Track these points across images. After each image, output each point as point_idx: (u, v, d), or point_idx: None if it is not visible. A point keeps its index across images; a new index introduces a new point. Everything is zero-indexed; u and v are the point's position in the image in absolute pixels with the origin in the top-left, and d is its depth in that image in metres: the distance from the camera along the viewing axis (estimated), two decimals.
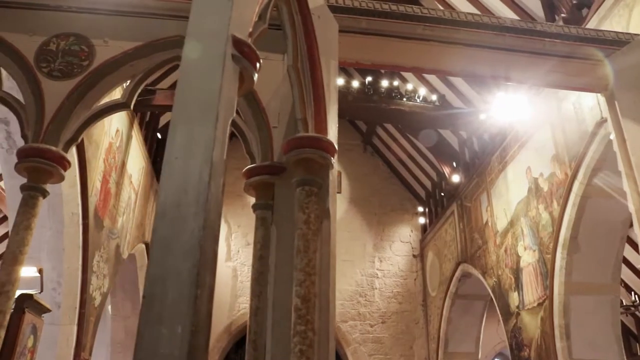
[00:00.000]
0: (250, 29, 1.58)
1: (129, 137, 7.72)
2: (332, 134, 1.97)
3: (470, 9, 7.68)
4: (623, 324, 7.73)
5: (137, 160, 8.31)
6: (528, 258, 7.37)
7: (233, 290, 11.04)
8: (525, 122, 7.59)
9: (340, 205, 11.13)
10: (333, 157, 1.94)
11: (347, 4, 2.46)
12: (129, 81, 2.32)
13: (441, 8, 6.45)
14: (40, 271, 3.88)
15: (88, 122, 2.20)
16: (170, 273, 1.15)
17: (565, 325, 6.44)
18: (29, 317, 3.61)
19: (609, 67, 2.58)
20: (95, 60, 2.25)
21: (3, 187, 8.13)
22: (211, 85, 1.33)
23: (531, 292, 7.21)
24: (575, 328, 6.43)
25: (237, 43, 1.45)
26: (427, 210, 12.01)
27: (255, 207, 2.10)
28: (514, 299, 7.65)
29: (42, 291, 4.02)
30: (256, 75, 1.53)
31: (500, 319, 8.01)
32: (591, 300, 6.52)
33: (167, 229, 1.19)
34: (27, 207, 1.99)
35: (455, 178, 9.76)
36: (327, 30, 2.10)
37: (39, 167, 2.04)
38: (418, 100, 8.75)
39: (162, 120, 9.70)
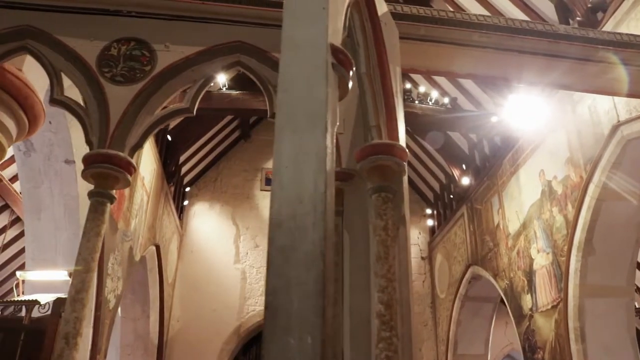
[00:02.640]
0: (341, 37, 1.59)
1: None
2: (402, 140, 1.98)
3: (482, 11, 7.71)
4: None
5: (148, 163, 8.29)
6: (541, 260, 7.40)
7: (242, 293, 10.82)
8: (539, 124, 7.61)
9: None
10: (405, 163, 1.95)
11: (405, 11, 2.48)
12: (189, 86, 2.32)
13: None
14: (71, 274, 3.85)
15: (152, 128, 2.20)
16: (293, 283, 1.15)
17: (580, 328, 6.45)
18: None
19: None
20: (158, 66, 2.26)
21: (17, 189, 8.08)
22: (317, 95, 1.33)
23: (545, 294, 7.24)
24: (590, 331, 6.44)
25: (335, 51, 1.45)
26: (435, 212, 12.02)
27: None
28: (526, 301, 7.68)
29: None
30: (351, 82, 1.54)
31: (513, 321, 8.02)
32: (606, 303, 6.54)
33: (285, 239, 1.19)
34: (97, 214, 1.97)
35: (465, 180, 9.78)
36: (391, 37, 2.11)
37: (106, 173, 2.03)
38: (430, 103, 8.78)
39: (172, 122, 9.67)
